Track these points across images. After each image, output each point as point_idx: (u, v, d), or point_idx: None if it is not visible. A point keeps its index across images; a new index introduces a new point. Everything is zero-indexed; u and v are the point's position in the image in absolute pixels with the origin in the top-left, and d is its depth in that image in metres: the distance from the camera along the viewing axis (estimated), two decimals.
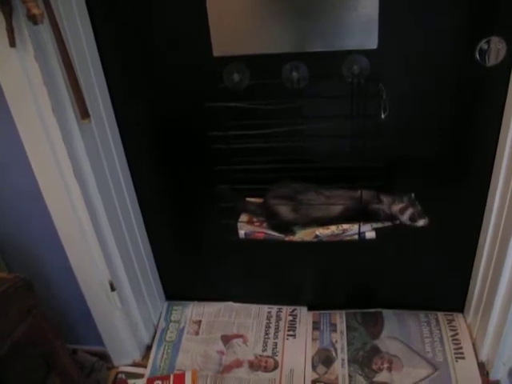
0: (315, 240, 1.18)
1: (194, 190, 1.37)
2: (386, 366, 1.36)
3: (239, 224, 1.23)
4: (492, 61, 1.03)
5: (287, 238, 1.20)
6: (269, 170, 1.16)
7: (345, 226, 1.17)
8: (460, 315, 1.47)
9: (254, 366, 1.42)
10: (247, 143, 1.11)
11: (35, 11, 0.84)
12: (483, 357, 1.34)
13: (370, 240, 1.17)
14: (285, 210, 1.18)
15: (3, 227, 1.26)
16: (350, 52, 1.06)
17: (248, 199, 1.27)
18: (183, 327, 1.55)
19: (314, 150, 1.22)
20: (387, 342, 1.42)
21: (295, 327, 1.51)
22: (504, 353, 1.26)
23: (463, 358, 1.35)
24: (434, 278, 1.42)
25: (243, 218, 1.25)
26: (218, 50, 1.09)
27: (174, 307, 1.62)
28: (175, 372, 1.42)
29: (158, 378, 1.40)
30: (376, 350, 1.40)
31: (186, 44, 1.12)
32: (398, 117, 1.11)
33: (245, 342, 1.48)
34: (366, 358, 1.39)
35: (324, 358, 1.40)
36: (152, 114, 1.26)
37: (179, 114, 1.25)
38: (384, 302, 1.52)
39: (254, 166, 1.13)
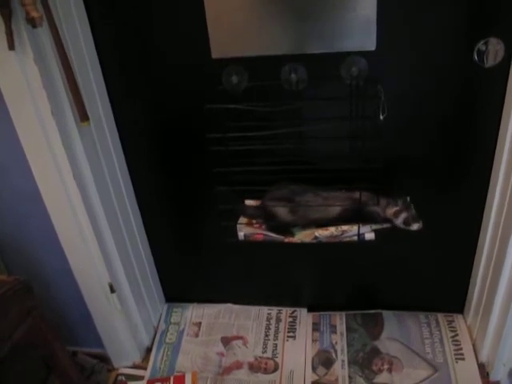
0: (314, 241, 1.18)
1: (194, 191, 1.38)
2: (386, 367, 1.36)
3: (238, 226, 1.23)
4: (490, 62, 1.03)
5: (286, 240, 1.20)
6: (268, 172, 1.16)
7: (344, 228, 1.17)
8: (460, 316, 1.47)
9: (253, 367, 1.42)
10: (246, 145, 1.11)
11: (34, 14, 0.85)
12: (483, 358, 1.34)
13: (370, 241, 1.17)
14: (282, 212, 1.19)
15: (3, 229, 1.26)
16: (348, 54, 1.06)
17: (247, 201, 1.27)
18: (183, 329, 1.55)
19: (312, 151, 1.22)
20: (387, 343, 1.42)
21: (295, 329, 1.51)
22: (504, 354, 1.26)
23: (463, 358, 1.35)
24: (434, 279, 1.42)
25: (242, 219, 1.25)
26: (216, 52, 1.09)
27: (174, 309, 1.62)
28: (175, 374, 1.42)
29: (158, 380, 1.40)
30: (376, 351, 1.40)
31: (185, 46, 1.12)
32: (396, 118, 1.11)
33: (245, 344, 1.48)
34: (366, 360, 1.39)
35: (324, 360, 1.40)
36: (151, 116, 1.26)
37: (178, 116, 1.25)
38: (384, 303, 1.52)
39: (252, 168, 1.13)
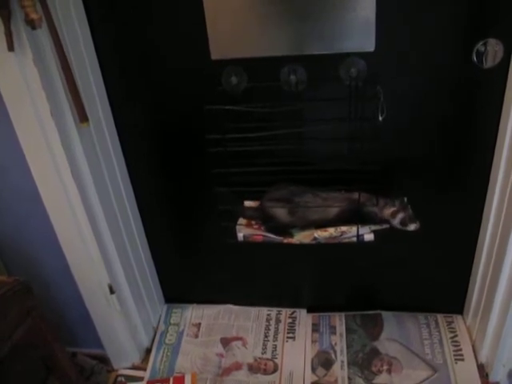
0: (313, 242, 1.18)
1: (193, 192, 1.38)
2: (385, 368, 1.36)
3: (238, 227, 1.23)
4: (489, 63, 1.03)
5: (285, 241, 1.20)
6: (267, 173, 1.16)
7: (343, 229, 1.18)
8: (459, 317, 1.47)
9: (253, 368, 1.42)
10: (245, 146, 1.11)
11: (33, 16, 0.85)
12: (483, 358, 1.34)
13: (369, 242, 1.17)
14: (281, 213, 1.19)
15: (2, 229, 1.26)
16: (347, 55, 1.06)
17: (246, 202, 1.27)
18: (183, 330, 1.56)
19: (311, 152, 1.22)
20: (386, 344, 1.42)
21: (294, 329, 1.51)
22: (503, 354, 1.26)
23: (463, 359, 1.35)
24: (433, 279, 1.42)
25: (242, 220, 1.25)
26: (215, 53, 1.09)
27: (174, 310, 1.62)
28: (175, 375, 1.42)
29: (157, 381, 1.40)
30: (375, 352, 1.40)
31: (184, 47, 1.12)
32: (395, 119, 1.11)
33: (244, 345, 1.48)
34: (365, 360, 1.39)
35: (323, 361, 1.40)
36: (150, 117, 1.26)
37: (177, 117, 1.25)
38: (383, 304, 1.52)
39: (252, 169, 1.13)
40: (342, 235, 1.17)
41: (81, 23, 1.06)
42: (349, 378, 1.34)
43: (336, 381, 1.34)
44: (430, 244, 1.36)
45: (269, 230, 1.21)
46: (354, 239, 1.17)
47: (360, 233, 1.16)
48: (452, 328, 1.44)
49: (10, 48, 0.89)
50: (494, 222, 1.20)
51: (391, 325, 1.47)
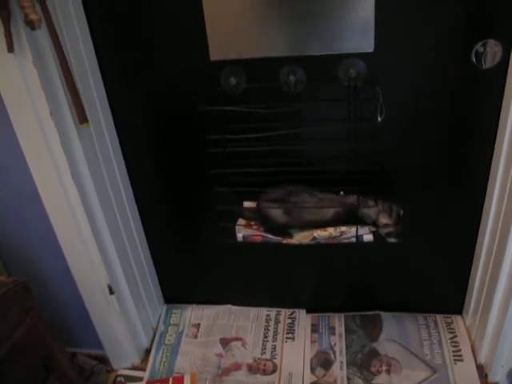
0: (313, 243, 1.18)
1: (192, 193, 1.38)
2: (384, 368, 1.36)
3: (237, 227, 1.23)
4: (488, 63, 1.03)
5: (285, 241, 1.20)
6: (266, 173, 1.17)
7: (343, 229, 1.18)
8: (459, 317, 1.47)
9: (252, 368, 1.42)
10: (244, 146, 1.11)
11: (33, 17, 0.85)
12: (482, 359, 1.34)
13: (368, 242, 1.17)
14: (277, 213, 1.19)
15: (2, 230, 1.26)
16: (346, 55, 1.07)
17: (245, 203, 1.27)
18: (182, 330, 1.56)
19: (311, 152, 1.22)
20: (386, 345, 1.42)
21: (294, 330, 1.51)
22: (502, 355, 1.26)
23: (462, 360, 1.35)
24: (433, 280, 1.43)
25: (241, 221, 1.26)
26: (215, 54, 1.10)
27: (173, 310, 1.62)
28: (174, 375, 1.42)
29: (156, 382, 1.41)
30: (375, 353, 1.40)
31: (184, 48, 1.13)
32: (394, 119, 1.12)
33: (243, 345, 1.48)
34: (364, 361, 1.39)
35: (323, 361, 1.40)
36: (150, 117, 1.27)
37: (177, 118, 1.25)
38: (383, 305, 1.52)
39: (251, 169, 1.14)
40: (341, 235, 1.18)
41: (80, 24, 1.07)
42: (348, 379, 1.34)
43: (335, 381, 1.34)
44: (429, 245, 1.36)
45: (267, 231, 1.21)
46: (354, 239, 1.17)
47: (359, 233, 1.16)
48: (451, 329, 1.44)
49: (10, 49, 0.89)
50: (493, 222, 1.20)
51: (390, 325, 1.48)
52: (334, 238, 1.18)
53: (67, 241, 1.20)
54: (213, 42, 1.08)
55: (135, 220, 1.40)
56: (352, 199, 1.16)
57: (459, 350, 1.37)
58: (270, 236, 1.20)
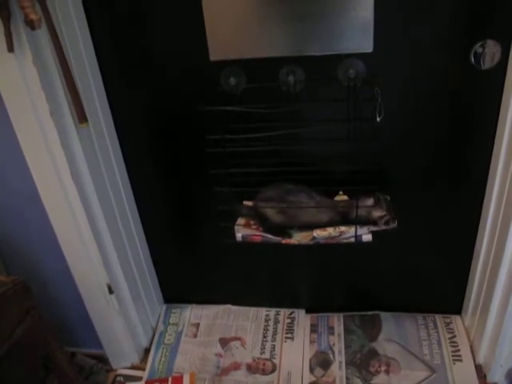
0: (312, 243, 1.18)
1: (192, 192, 1.38)
2: (383, 368, 1.36)
3: (236, 227, 1.23)
4: (487, 64, 1.04)
5: (284, 241, 1.20)
6: (266, 173, 1.17)
7: (342, 229, 1.18)
8: (458, 317, 1.47)
9: (251, 368, 1.42)
10: (244, 146, 1.11)
11: (33, 16, 0.85)
12: (481, 359, 1.34)
13: (367, 243, 1.17)
14: (271, 212, 1.19)
15: (2, 230, 1.27)
16: (345, 56, 1.07)
17: (245, 202, 1.28)
18: (181, 330, 1.56)
19: (310, 153, 1.22)
20: (385, 345, 1.42)
21: (293, 330, 1.51)
22: (501, 355, 1.26)
23: (461, 360, 1.35)
24: (432, 280, 1.43)
25: (240, 220, 1.26)
26: (214, 54, 1.10)
27: (173, 310, 1.63)
28: (173, 375, 1.42)
29: (156, 381, 1.41)
30: (373, 353, 1.41)
31: (183, 48, 1.13)
32: (393, 119, 1.12)
33: (243, 345, 1.48)
34: (363, 361, 1.39)
35: (322, 361, 1.41)
36: (149, 117, 1.27)
37: (177, 118, 1.25)
38: (382, 305, 1.52)
39: (251, 169, 1.14)
40: (340, 235, 1.18)
41: (80, 24, 1.07)
42: (347, 379, 1.35)
43: (334, 381, 1.35)
44: (428, 245, 1.36)
45: (266, 231, 1.21)
46: (353, 240, 1.17)
47: (358, 233, 1.16)
48: (450, 329, 1.44)
49: (10, 49, 0.90)
50: (492, 223, 1.20)
51: (389, 325, 1.48)
52: (334, 237, 1.18)
53: (67, 240, 1.20)
54: (212, 43, 1.08)
55: (135, 220, 1.41)
56: (349, 204, 1.16)
57: (458, 350, 1.37)
58: (269, 236, 1.20)
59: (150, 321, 1.56)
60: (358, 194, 1.16)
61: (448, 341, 1.40)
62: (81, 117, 1.03)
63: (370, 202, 1.15)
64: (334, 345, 1.44)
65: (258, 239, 1.21)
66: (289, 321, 1.55)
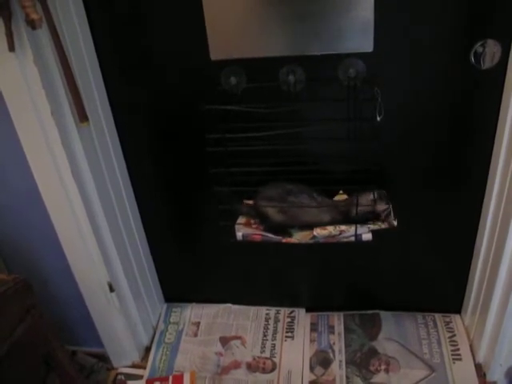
0: (312, 242, 1.19)
1: (193, 191, 1.38)
2: (383, 367, 1.36)
3: (236, 226, 1.23)
4: (487, 63, 1.04)
5: (284, 240, 1.20)
6: (266, 173, 1.17)
7: (342, 227, 1.18)
8: (457, 316, 1.48)
9: (252, 367, 1.42)
10: (244, 146, 1.12)
11: (34, 16, 0.86)
12: (480, 358, 1.34)
13: (367, 241, 1.17)
14: (272, 212, 1.19)
15: (3, 228, 1.27)
16: (346, 55, 1.07)
17: (245, 201, 1.28)
18: (182, 329, 1.56)
19: (310, 152, 1.22)
20: (385, 344, 1.43)
21: (293, 329, 1.52)
22: (501, 354, 1.26)
23: (460, 359, 1.35)
24: (432, 279, 1.43)
25: (241, 220, 1.26)
26: (215, 54, 1.10)
27: (173, 309, 1.63)
28: (174, 373, 1.42)
29: (156, 380, 1.41)
30: (373, 352, 1.41)
31: (184, 47, 1.13)
32: (393, 119, 1.12)
33: (243, 344, 1.49)
34: (363, 360, 1.39)
35: (322, 360, 1.41)
36: (150, 116, 1.27)
37: (177, 117, 1.26)
38: (382, 304, 1.52)
39: (251, 169, 1.14)
40: (340, 234, 1.18)
41: (81, 23, 1.07)
42: (347, 377, 1.35)
43: (334, 380, 1.35)
44: (428, 243, 1.37)
45: (266, 230, 1.22)
46: (352, 239, 1.17)
47: (358, 232, 1.16)
48: (450, 328, 1.44)
49: (11, 48, 0.90)
50: (492, 222, 1.20)
51: (389, 324, 1.48)
52: (334, 236, 1.18)
53: (67, 239, 1.20)
54: (213, 42, 1.09)
55: (135, 218, 1.41)
56: (350, 202, 1.16)
57: (458, 349, 1.38)
58: (269, 235, 1.21)
59: (151, 319, 1.56)
60: (358, 192, 1.16)
61: (448, 340, 1.41)
62: (81, 116, 1.03)
63: (370, 196, 1.16)
64: (334, 344, 1.45)
65: (259, 238, 1.21)
66: (289, 320, 1.55)
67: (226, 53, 1.10)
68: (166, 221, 1.47)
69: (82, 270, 1.26)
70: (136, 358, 1.48)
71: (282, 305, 1.59)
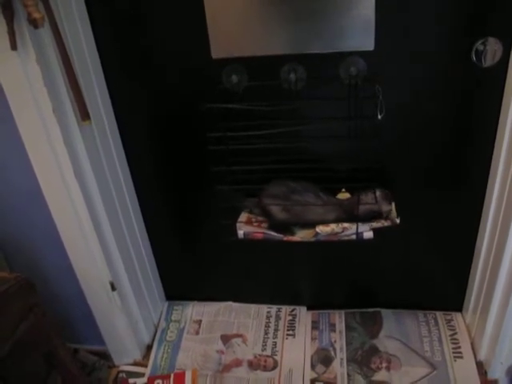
0: (313, 239, 1.19)
1: (194, 190, 1.38)
2: (384, 365, 1.36)
3: (238, 224, 1.24)
4: (488, 61, 1.04)
5: (285, 238, 1.20)
6: (267, 171, 1.17)
7: (345, 225, 1.18)
8: (459, 315, 1.48)
9: (253, 365, 1.42)
10: (246, 144, 1.12)
11: (36, 15, 0.86)
12: (481, 356, 1.34)
13: (368, 240, 1.18)
14: (276, 210, 1.19)
15: (5, 227, 1.27)
16: (347, 54, 1.07)
17: (248, 199, 1.28)
18: (183, 327, 1.57)
19: (311, 150, 1.23)
20: (386, 342, 1.43)
21: (294, 327, 1.52)
22: (502, 352, 1.26)
23: (461, 357, 1.35)
24: (433, 277, 1.43)
25: (242, 217, 1.26)
26: (216, 52, 1.10)
27: (175, 307, 1.63)
28: (175, 371, 1.43)
29: (158, 377, 1.41)
30: (375, 350, 1.41)
31: (185, 46, 1.13)
32: (394, 117, 1.12)
33: (244, 342, 1.49)
34: (364, 358, 1.39)
35: (323, 358, 1.41)
36: (152, 115, 1.27)
37: (179, 116, 1.26)
38: (383, 302, 1.52)
39: (252, 167, 1.14)
40: (343, 231, 1.18)
41: (82, 22, 1.07)
42: (348, 375, 1.35)
43: (335, 378, 1.35)
44: (429, 242, 1.37)
45: (270, 227, 1.22)
46: (354, 237, 1.17)
47: (360, 230, 1.16)
48: (451, 326, 1.45)
49: (13, 47, 0.90)
50: (493, 220, 1.20)
51: (390, 322, 1.48)
52: (336, 234, 1.19)
53: (69, 237, 1.21)
54: (214, 40, 1.09)
55: (137, 217, 1.41)
56: (355, 201, 1.16)
57: (459, 347, 1.38)
58: (271, 233, 1.21)
59: (152, 318, 1.57)
60: (360, 191, 1.16)
61: (449, 338, 1.41)
62: (83, 114, 1.03)
63: (373, 195, 1.16)
64: (335, 342, 1.45)
65: (260, 236, 1.21)
66: (290, 318, 1.55)
67: (227, 51, 1.10)
68: (168, 219, 1.47)
69: (84, 269, 1.26)
70: (137, 355, 1.48)
71: (283, 303, 1.59)
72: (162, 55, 1.16)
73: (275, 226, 1.21)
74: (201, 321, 1.57)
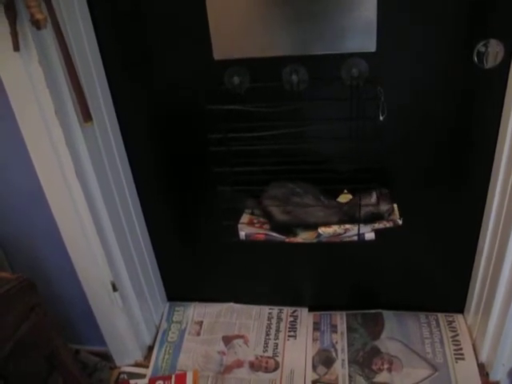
0: (315, 241, 1.19)
1: (196, 191, 1.39)
2: (386, 366, 1.36)
3: (240, 225, 1.24)
4: (490, 63, 1.04)
5: (287, 240, 1.21)
6: (269, 172, 1.17)
7: (347, 226, 1.18)
8: (460, 316, 1.48)
9: (254, 366, 1.42)
10: (248, 145, 1.12)
11: (39, 16, 0.86)
12: (483, 358, 1.34)
13: (370, 241, 1.18)
14: (276, 211, 1.19)
15: (7, 227, 1.28)
16: (349, 55, 1.07)
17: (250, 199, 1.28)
18: (185, 328, 1.57)
19: (313, 151, 1.23)
20: (387, 343, 1.43)
21: (296, 328, 1.52)
22: (503, 354, 1.26)
23: (463, 358, 1.35)
24: (435, 279, 1.43)
25: (244, 219, 1.26)
26: (218, 54, 1.10)
27: (176, 308, 1.63)
28: (177, 372, 1.43)
29: (159, 379, 1.41)
30: (376, 351, 1.41)
31: (187, 47, 1.13)
32: (396, 119, 1.12)
33: (246, 343, 1.49)
34: (366, 359, 1.39)
35: (324, 359, 1.41)
36: (153, 116, 1.27)
37: (180, 116, 1.26)
38: (384, 303, 1.52)
39: (254, 168, 1.14)
40: (345, 232, 1.18)
41: (85, 23, 1.07)
42: (349, 377, 1.35)
43: (337, 379, 1.35)
44: (431, 243, 1.37)
45: (272, 229, 1.22)
46: (355, 238, 1.18)
47: (361, 231, 1.16)
48: (453, 327, 1.44)
49: (16, 48, 0.90)
50: (495, 221, 1.20)
51: (392, 324, 1.48)
52: (338, 235, 1.19)
53: (71, 238, 1.21)
54: (216, 42, 1.09)
55: (138, 218, 1.41)
56: (355, 203, 1.16)
57: (460, 349, 1.38)
58: (273, 234, 1.21)
59: (154, 319, 1.57)
60: (361, 192, 1.17)
61: (450, 339, 1.41)
62: (86, 115, 1.03)
63: (373, 197, 1.16)
64: (336, 343, 1.45)
65: (262, 237, 1.22)
66: (291, 319, 1.55)
67: (229, 52, 1.10)
68: (169, 220, 1.47)
69: (86, 270, 1.26)
70: (139, 356, 1.48)
71: (284, 304, 1.59)
72: (164, 56, 1.17)
73: (277, 227, 1.21)
74: (202, 322, 1.57)
